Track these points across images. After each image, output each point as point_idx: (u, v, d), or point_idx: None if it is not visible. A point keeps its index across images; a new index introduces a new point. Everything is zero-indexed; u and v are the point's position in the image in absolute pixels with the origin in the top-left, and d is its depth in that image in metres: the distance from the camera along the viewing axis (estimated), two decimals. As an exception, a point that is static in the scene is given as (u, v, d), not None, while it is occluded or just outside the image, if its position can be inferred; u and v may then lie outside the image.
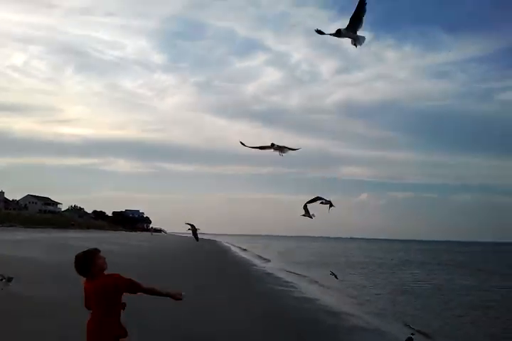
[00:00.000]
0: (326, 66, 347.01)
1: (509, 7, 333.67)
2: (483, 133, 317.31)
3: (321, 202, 9.15)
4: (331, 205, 9.15)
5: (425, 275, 37.73)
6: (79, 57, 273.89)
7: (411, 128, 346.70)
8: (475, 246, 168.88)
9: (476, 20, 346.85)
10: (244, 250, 68.26)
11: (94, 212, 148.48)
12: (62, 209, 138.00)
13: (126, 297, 4.92)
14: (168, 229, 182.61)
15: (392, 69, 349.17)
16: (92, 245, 5.99)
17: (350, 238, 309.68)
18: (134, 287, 4.94)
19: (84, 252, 4.94)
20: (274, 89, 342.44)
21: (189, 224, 12.00)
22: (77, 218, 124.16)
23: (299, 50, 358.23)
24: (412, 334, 12.46)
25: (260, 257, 49.82)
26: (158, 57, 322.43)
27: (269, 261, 44.61)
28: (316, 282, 27.10)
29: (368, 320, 15.37)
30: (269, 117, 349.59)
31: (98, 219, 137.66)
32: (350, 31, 5.78)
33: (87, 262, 4.86)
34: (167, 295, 5.17)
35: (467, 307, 20.55)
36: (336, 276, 20.10)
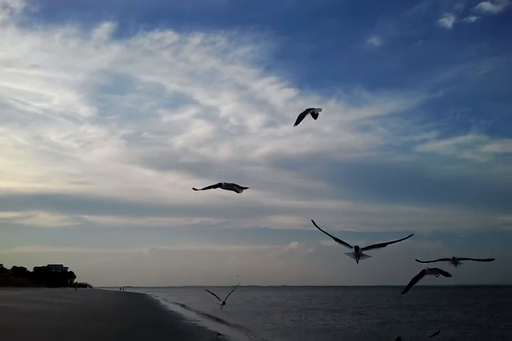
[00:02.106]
0: (254, 120, 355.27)
1: (423, 66, 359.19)
2: (405, 182, 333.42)
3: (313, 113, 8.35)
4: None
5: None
6: (1, 109, 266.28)
7: (337, 179, 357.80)
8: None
9: (393, 79, 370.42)
10: (174, 303, 66.69)
11: (14, 268, 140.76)
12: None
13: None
14: (95, 283, 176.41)
15: (317, 123, 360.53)
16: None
17: (283, 286, 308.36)
18: None
19: None
20: (203, 142, 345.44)
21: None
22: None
23: (227, 104, 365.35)
24: None
25: (191, 309, 48.77)
26: (85, 110, 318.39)
27: (199, 313, 43.76)
28: (249, 332, 26.97)
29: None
30: (198, 169, 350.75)
31: (18, 276, 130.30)
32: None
33: None
34: None
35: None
36: None
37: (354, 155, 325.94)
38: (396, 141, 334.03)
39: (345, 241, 7.51)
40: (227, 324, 33.38)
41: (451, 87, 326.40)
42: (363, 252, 7.44)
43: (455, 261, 8.62)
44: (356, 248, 7.31)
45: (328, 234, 7.59)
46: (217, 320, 36.31)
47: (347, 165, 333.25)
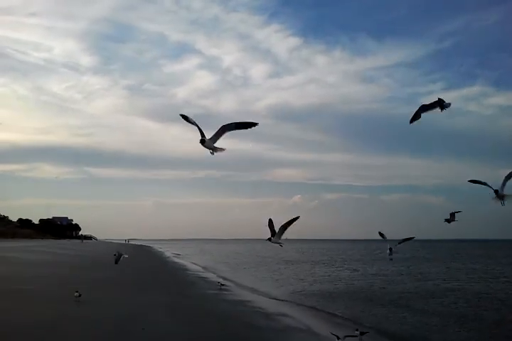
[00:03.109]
0: (258, 70, 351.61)
1: (430, 15, 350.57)
2: (409, 135, 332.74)
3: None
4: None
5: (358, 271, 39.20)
6: (0, 59, 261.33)
7: (341, 131, 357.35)
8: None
9: (400, 27, 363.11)
10: (178, 255, 67.99)
11: (20, 220, 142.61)
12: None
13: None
14: (99, 235, 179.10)
15: (322, 73, 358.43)
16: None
17: (286, 239, 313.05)
18: None
19: None
20: (206, 93, 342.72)
21: None
22: (1, 227, 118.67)
23: (230, 54, 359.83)
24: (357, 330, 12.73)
25: (194, 263, 49.73)
26: (87, 60, 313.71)
27: (200, 266, 44.69)
28: (249, 285, 27.63)
29: (301, 319, 15.85)
30: (202, 121, 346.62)
31: (24, 228, 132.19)
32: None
33: None
34: None
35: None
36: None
37: (358, 107, 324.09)
38: (401, 93, 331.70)
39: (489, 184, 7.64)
40: (226, 277, 34.09)
41: (458, 37, 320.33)
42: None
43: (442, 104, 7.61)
44: (496, 192, 7.59)
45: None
46: (215, 272, 37.12)
47: (351, 117, 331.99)
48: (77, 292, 15.16)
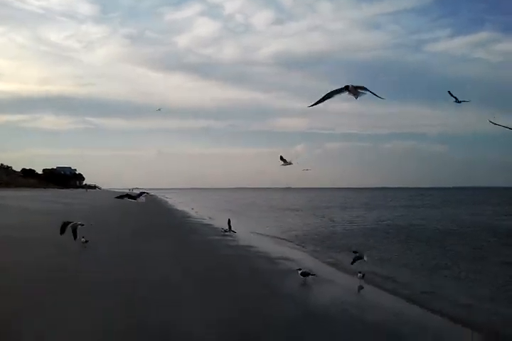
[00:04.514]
0: (260, 17, 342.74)
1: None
2: (413, 83, 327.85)
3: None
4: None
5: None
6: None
7: (345, 79, 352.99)
8: (410, 191, 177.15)
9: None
10: (181, 203, 68.81)
11: (23, 170, 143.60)
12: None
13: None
14: (103, 185, 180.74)
15: (326, 20, 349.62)
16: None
17: (287, 188, 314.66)
18: None
19: None
20: (207, 41, 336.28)
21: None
22: (4, 177, 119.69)
23: (232, 0, 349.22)
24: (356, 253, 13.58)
25: (197, 211, 50.36)
26: (86, 8, 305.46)
27: (203, 213, 45.24)
28: (253, 230, 28.06)
29: (304, 263, 16.15)
30: (204, 70, 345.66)
31: (27, 178, 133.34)
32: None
33: None
34: None
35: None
36: None
37: (364, 55, 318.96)
38: (408, 40, 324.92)
39: (334, 90, 7.44)
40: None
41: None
42: (359, 91, 7.43)
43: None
44: (347, 87, 7.42)
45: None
46: (218, 219, 37.60)
47: (356, 65, 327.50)
48: (83, 238, 15.53)
